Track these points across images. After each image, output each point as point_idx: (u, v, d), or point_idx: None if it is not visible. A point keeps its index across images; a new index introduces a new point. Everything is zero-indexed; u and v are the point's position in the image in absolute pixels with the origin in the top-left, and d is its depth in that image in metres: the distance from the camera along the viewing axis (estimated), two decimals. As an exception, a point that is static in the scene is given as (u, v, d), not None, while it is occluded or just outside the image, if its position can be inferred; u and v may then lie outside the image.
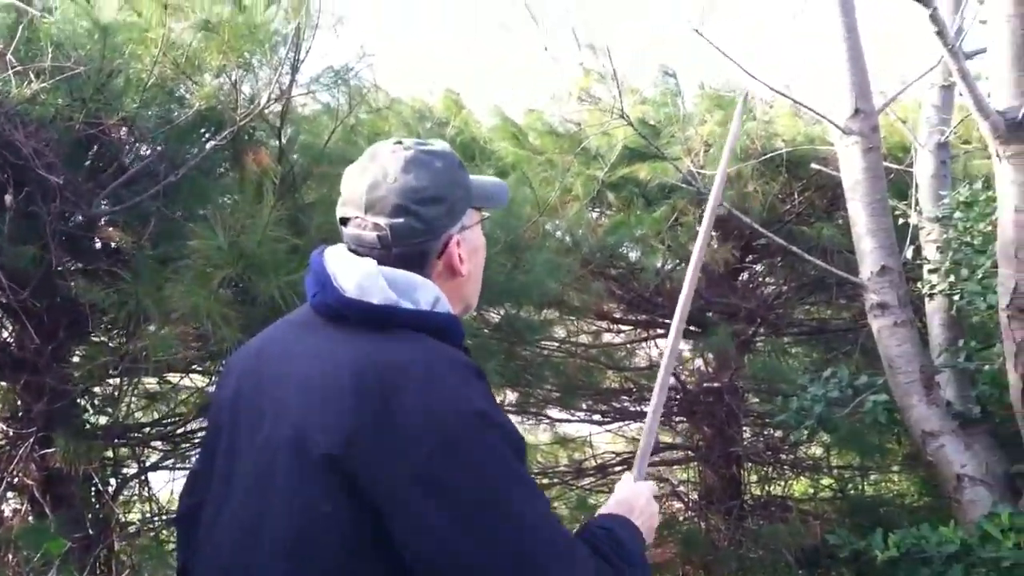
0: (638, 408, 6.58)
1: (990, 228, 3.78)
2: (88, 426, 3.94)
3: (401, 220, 1.43)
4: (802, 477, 7.04)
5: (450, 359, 1.38)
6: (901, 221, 4.30)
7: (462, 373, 1.36)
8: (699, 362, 6.75)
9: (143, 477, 4.41)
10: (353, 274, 1.41)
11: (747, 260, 6.37)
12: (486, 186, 1.61)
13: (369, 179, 1.46)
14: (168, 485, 4.73)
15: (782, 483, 6.91)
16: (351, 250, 1.49)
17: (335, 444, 1.28)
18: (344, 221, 1.50)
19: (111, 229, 3.45)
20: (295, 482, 1.32)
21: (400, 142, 1.51)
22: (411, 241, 1.45)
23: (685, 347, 6.93)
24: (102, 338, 3.87)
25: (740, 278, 6.48)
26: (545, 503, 1.37)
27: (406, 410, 1.28)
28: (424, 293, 1.44)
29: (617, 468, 6.61)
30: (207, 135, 3.72)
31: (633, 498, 1.69)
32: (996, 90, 3.36)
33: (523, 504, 1.31)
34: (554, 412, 6.66)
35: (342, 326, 1.41)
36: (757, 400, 6.52)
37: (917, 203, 4.38)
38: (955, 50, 3.27)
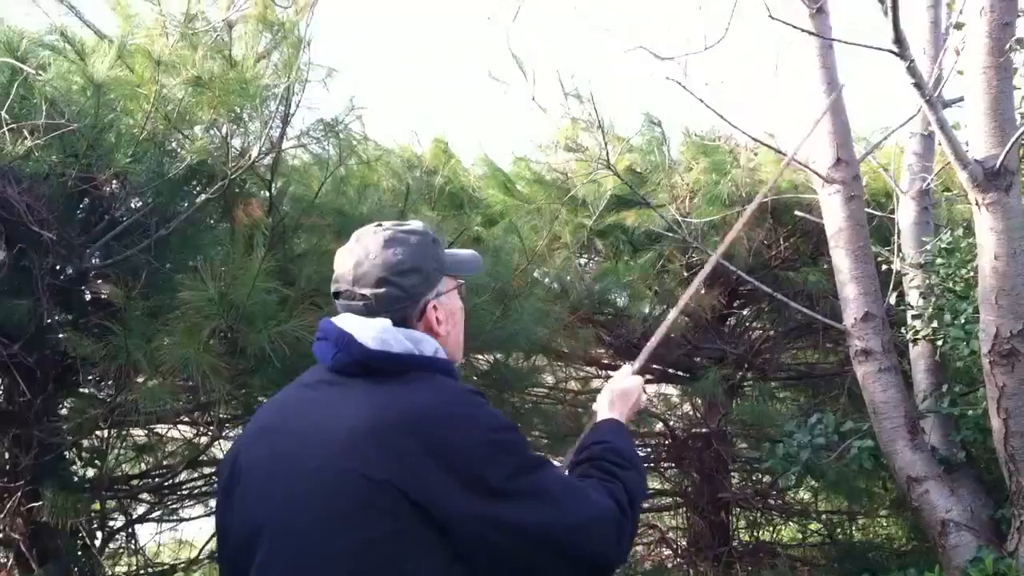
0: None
1: (972, 274, 3.83)
2: (76, 479, 3.92)
3: (383, 290, 1.67)
4: (791, 522, 7.02)
5: (464, 390, 1.66)
6: (884, 267, 4.35)
7: (474, 399, 1.64)
8: (688, 407, 6.76)
9: (130, 530, 4.38)
10: (371, 331, 1.63)
11: (734, 306, 6.40)
12: (460, 257, 1.86)
13: (355, 258, 1.70)
14: (155, 538, 4.69)
15: (771, 529, 6.90)
16: None
17: (396, 476, 1.48)
18: (337, 295, 1.72)
19: (102, 282, 3.46)
20: (358, 512, 1.48)
21: (380, 224, 1.76)
22: (393, 307, 1.67)
23: (673, 392, 6.95)
24: (91, 390, 3.87)
25: (727, 323, 6.51)
26: (553, 467, 1.69)
27: (451, 435, 1.53)
28: (427, 344, 1.69)
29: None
30: (198, 188, 3.74)
31: (633, 388, 2.17)
32: (974, 139, 3.43)
33: (545, 478, 1.62)
34: (543, 459, 6.63)
35: (362, 378, 1.62)
36: (745, 445, 6.52)
37: (900, 249, 4.43)
38: (933, 101, 3.34)
